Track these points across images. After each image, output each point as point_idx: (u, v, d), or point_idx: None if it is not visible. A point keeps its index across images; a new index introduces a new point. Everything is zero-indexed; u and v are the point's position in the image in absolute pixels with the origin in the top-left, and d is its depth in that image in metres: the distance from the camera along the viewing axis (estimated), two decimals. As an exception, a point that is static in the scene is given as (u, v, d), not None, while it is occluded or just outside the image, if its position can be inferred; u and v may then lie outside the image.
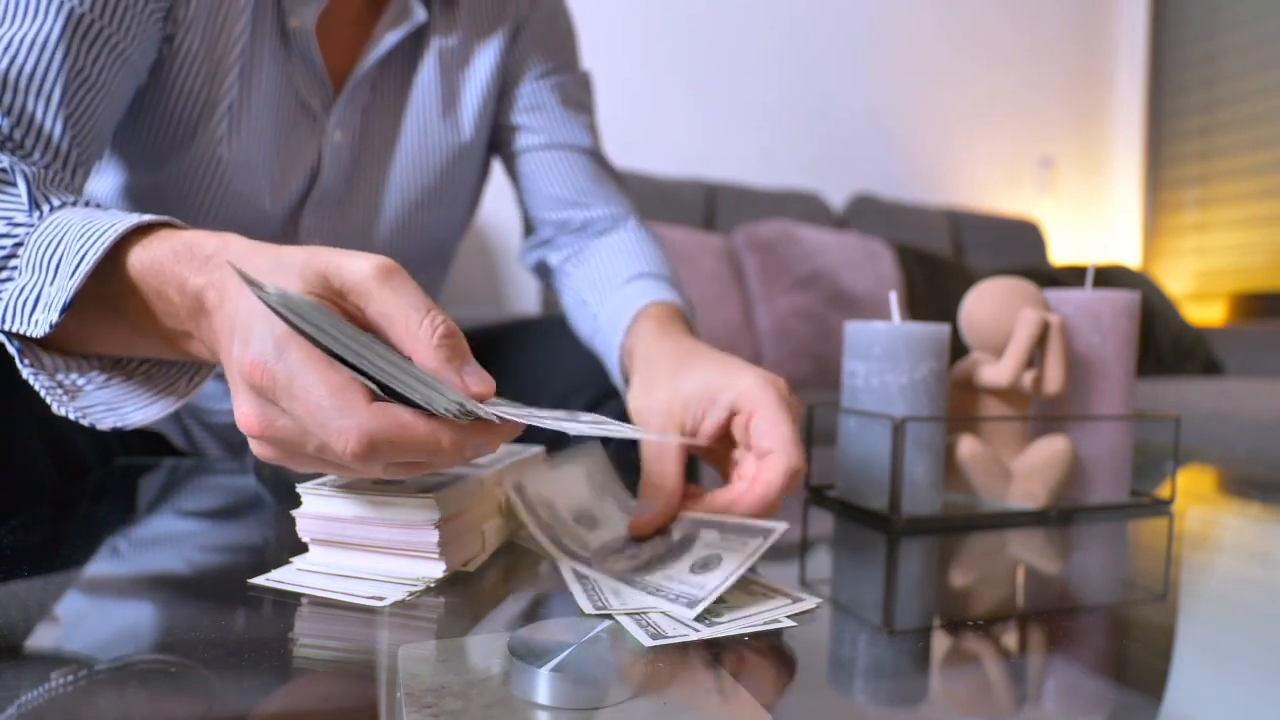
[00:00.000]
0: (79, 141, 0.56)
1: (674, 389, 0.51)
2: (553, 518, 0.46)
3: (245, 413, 0.34)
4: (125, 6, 0.58)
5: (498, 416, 0.33)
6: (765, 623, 0.35)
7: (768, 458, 0.46)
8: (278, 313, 0.31)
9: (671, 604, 0.35)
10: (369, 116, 0.75)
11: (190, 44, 0.63)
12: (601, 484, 0.51)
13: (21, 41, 0.53)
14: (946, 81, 2.77)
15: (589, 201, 0.82)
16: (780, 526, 0.39)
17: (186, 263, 0.40)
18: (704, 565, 0.38)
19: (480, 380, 0.35)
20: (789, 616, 0.36)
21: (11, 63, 0.53)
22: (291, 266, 0.35)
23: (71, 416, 0.45)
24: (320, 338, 0.31)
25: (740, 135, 2.47)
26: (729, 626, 0.34)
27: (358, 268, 0.35)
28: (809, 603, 0.37)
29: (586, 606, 0.37)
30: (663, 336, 0.60)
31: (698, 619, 0.34)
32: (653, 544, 0.42)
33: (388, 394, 0.33)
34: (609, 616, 0.35)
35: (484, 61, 0.79)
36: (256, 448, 0.36)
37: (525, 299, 2.17)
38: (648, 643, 0.31)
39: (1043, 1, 2.91)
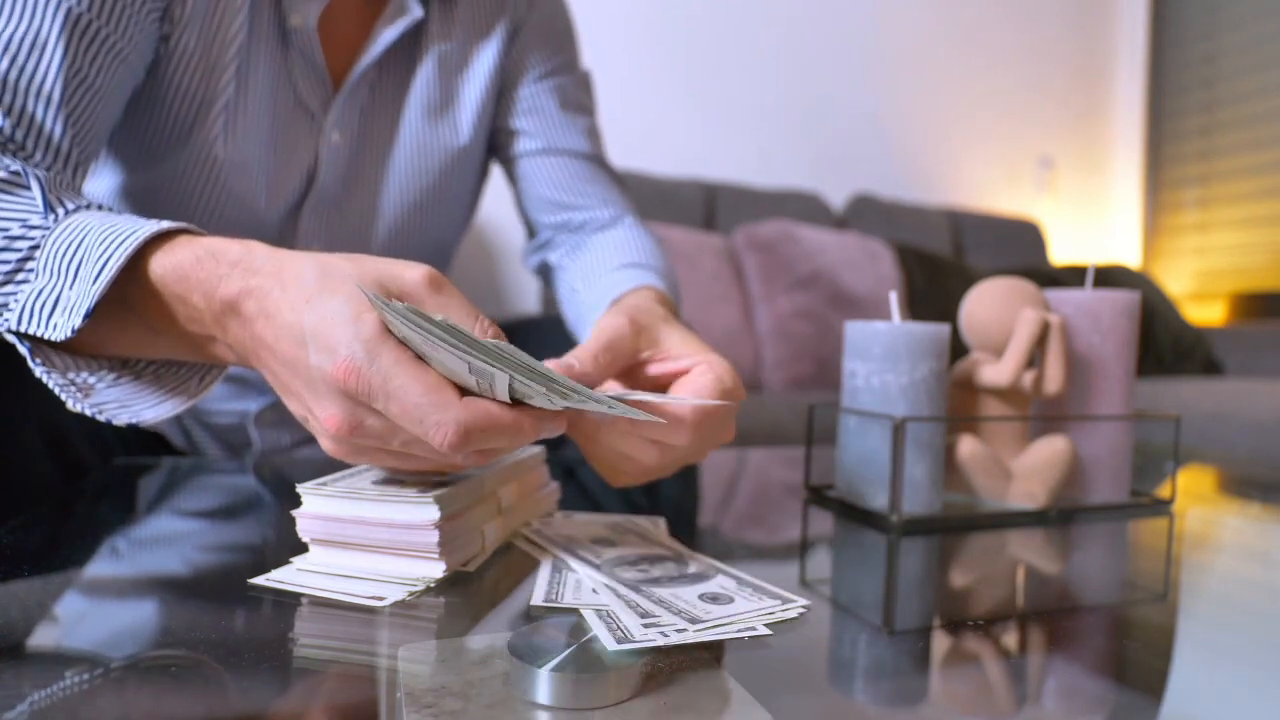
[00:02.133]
0: (79, 141, 0.56)
1: (651, 325, 0.50)
2: (570, 541, 0.46)
3: (333, 414, 0.36)
4: (123, 6, 0.58)
5: (608, 405, 0.36)
6: (739, 630, 0.34)
7: (694, 368, 0.46)
8: (412, 322, 0.33)
9: (674, 616, 0.35)
10: (367, 118, 0.75)
11: (187, 43, 0.63)
12: (622, 525, 0.51)
13: (20, 42, 0.53)
14: (946, 81, 2.77)
15: (587, 203, 0.82)
16: (801, 601, 0.38)
17: (212, 269, 0.41)
18: (713, 599, 0.37)
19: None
20: (767, 625, 0.34)
21: (11, 63, 0.53)
22: (344, 276, 0.37)
23: (88, 413, 0.45)
24: (446, 340, 0.33)
25: (740, 135, 2.47)
26: (701, 634, 0.33)
27: (411, 277, 0.38)
28: (791, 611, 0.36)
29: (537, 598, 0.37)
30: (655, 303, 0.60)
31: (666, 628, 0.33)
32: (665, 565, 0.42)
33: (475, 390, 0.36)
34: (558, 611, 0.35)
35: (482, 63, 0.78)
36: (331, 446, 0.38)
37: (525, 299, 2.17)
38: (613, 646, 0.31)
39: (1042, 1, 2.91)
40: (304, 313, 0.37)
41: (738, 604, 0.37)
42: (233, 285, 0.40)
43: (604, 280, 0.73)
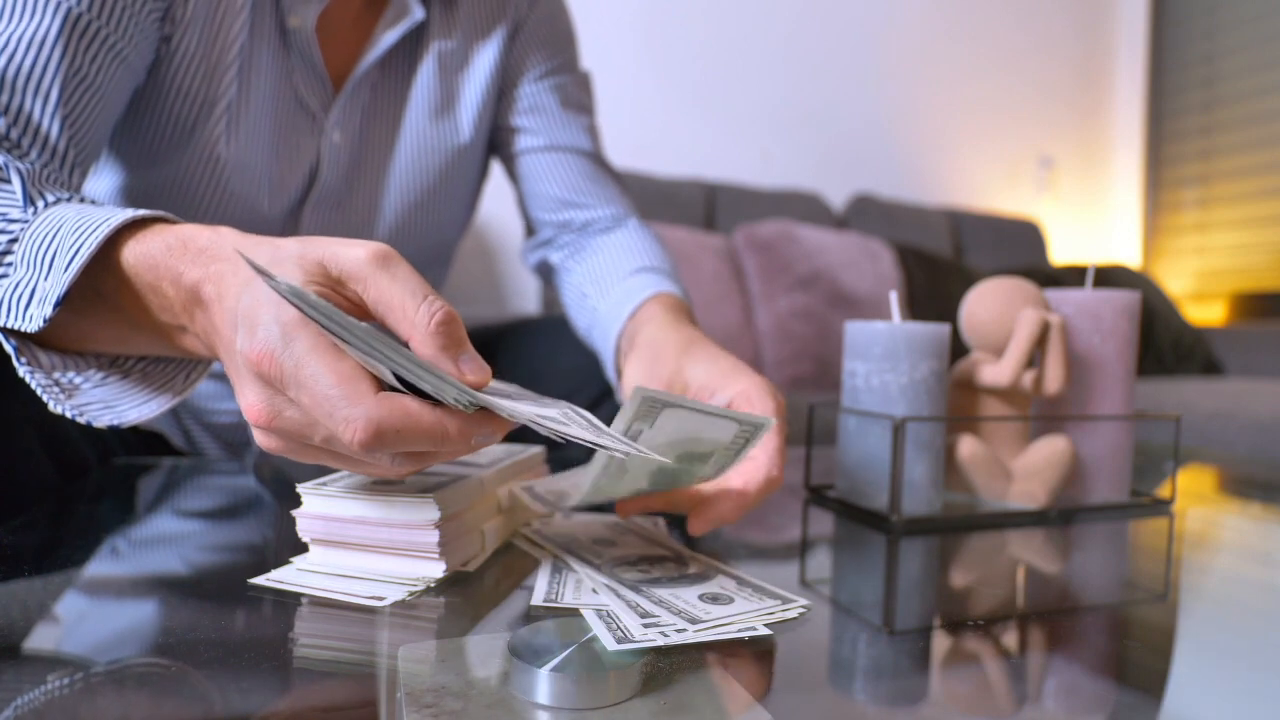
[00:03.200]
0: (76, 141, 0.56)
1: (678, 369, 0.51)
2: (571, 542, 0.46)
3: (251, 403, 0.34)
4: (123, 6, 0.58)
5: (509, 412, 0.33)
6: (739, 630, 0.33)
7: (750, 463, 0.46)
8: (290, 301, 0.31)
9: (674, 616, 0.35)
10: (368, 117, 0.75)
11: (188, 44, 0.63)
12: (622, 525, 0.51)
13: (19, 40, 0.53)
14: (946, 81, 2.77)
15: (589, 203, 0.82)
16: (801, 601, 0.38)
17: (180, 256, 0.40)
18: (713, 599, 0.37)
19: (477, 369, 0.34)
20: (767, 625, 0.34)
21: (9, 62, 0.53)
22: (289, 257, 0.35)
23: (69, 414, 0.44)
24: (329, 326, 0.31)
25: (741, 136, 2.47)
26: (701, 634, 0.33)
27: (354, 255, 0.35)
28: (791, 611, 0.36)
29: (537, 598, 0.37)
30: (672, 324, 0.60)
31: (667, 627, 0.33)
32: (665, 565, 0.42)
33: (399, 385, 0.33)
34: (558, 611, 0.35)
35: (483, 62, 0.79)
36: (262, 439, 0.36)
37: (525, 299, 2.17)
38: (612, 646, 0.30)
39: (1042, 2, 2.91)
40: (241, 295, 0.35)
41: (738, 604, 0.37)
42: (196, 271, 0.39)
43: (617, 289, 0.73)
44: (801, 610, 0.36)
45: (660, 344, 0.55)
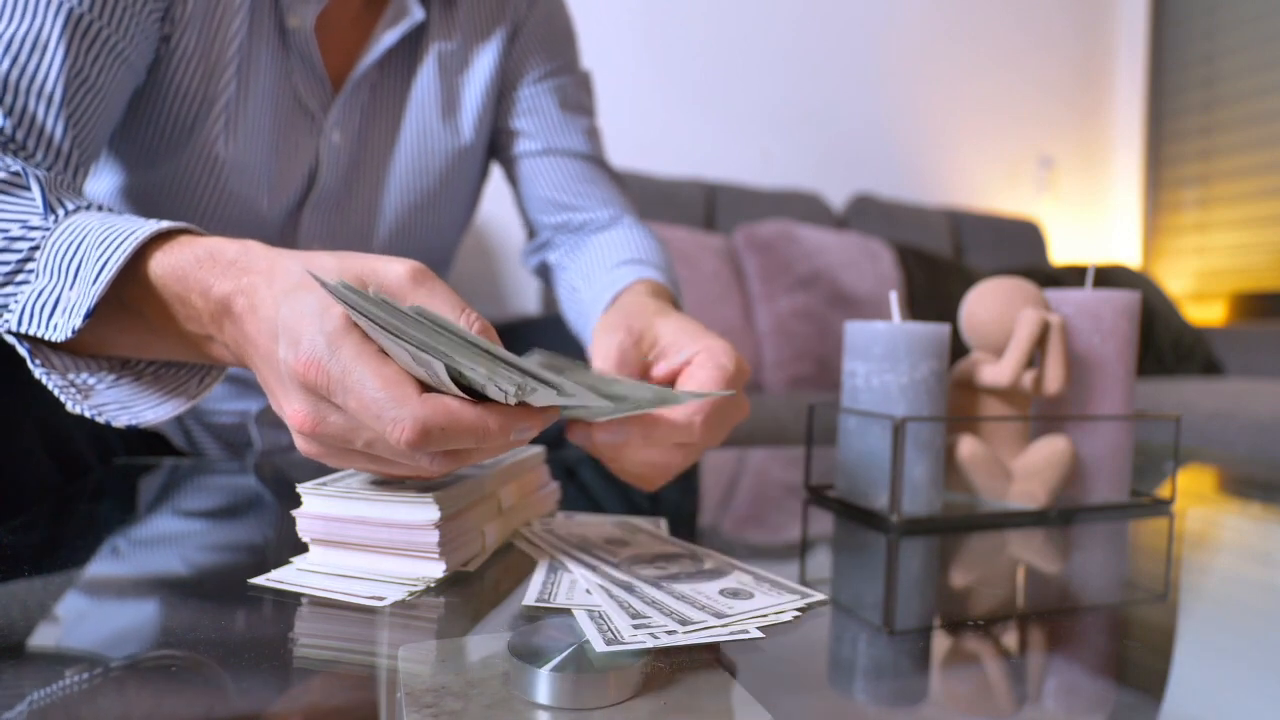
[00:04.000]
0: (80, 142, 0.56)
1: (647, 324, 0.51)
2: (584, 541, 0.46)
3: (297, 409, 0.35)
4: (124, 6, 0.58)
5: (559, 394, 0.34)
6: (731, 633, 0.33)
7: (694, 359, 0.46)
8: (343, 300, 0.32)
9: (698, 611, 0.35)
10: (368, 118, 0.75)
11: (187, 43, 0.63)
12: (630, 525, 0.51)
13: (22, 42, 0.53)
14: (946, 81, 2.77)
15: (586, 205, 0.82)
16: (818, 595, 0.38)
17: (210, 269, 0.41)
18: (734, 594, 0.37)
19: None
20: (760, 628, 0.34)
21: (12, 64, 0.53)
22: (325, 270, 0.37)
23: (87, 414, 0.45)
24: (383, 320, 0.32)
25: (741, 135, 2.47)
26: (691, 636, 0.33)
27: (393, 271, 0.37)
28: (812, 600, 0.37)
29: (530, 598, 0.37)
30: (649, 296, 0.61)
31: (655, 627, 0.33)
32: (681, 562, 0.42)
33: (442, 386, 0.34)
34: (551, 611, 0.35)
35: (483, 64, 0.79)
36: (304, 445, 0.37)
37: (525, 299, 2.17)
38: (600, 647, 0.30)
39: (1042, 2, 2.91)
40: (280, 307, 0.36)
41: (759, 599, 0.37)
42: (227, 284, 0.40)
43: (602, 278, 0.73)
44: (821, 601, 0.37)
45: (633, 305, 0.56)
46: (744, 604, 0.36)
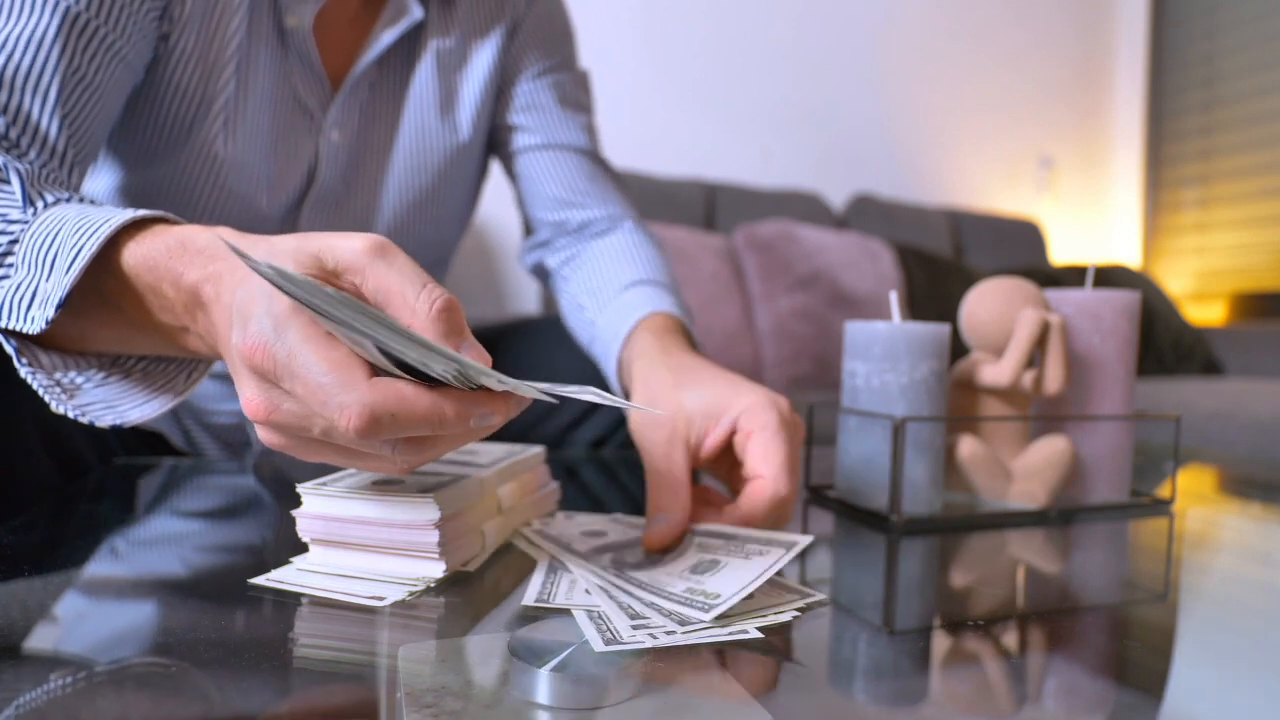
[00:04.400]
0: (75, 140, 0.56)
1: (676, 404, 0.51)
2: (562, 535, 0.46)
3: (249, 397, 0.34)
4: (122, 5, 0.58)
5: (498, 380, 0.32)
6: (730, 634, 0.33)
7: (755, 482, 0.46)
8: (277, 285, 0.30)
9: (682, 606, 0.35)
10: (366, 117, 0.75)
11: (185, 43, 0.63)
12: (625, 523, 0.51)
13: (18, 39, 0.53)
14: (946, 81, 2.77)
15: (586, 202, 0.82)
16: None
17: (180, 257, 0.40)
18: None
19: (477, 355, 0.34)
20: (759, 628, 0.34)
21: (8, 61, 0.53)
22: (285, 251, 0.35)
23: (70, 414, 0.44)
24: (312, 303, 0.30)
25: (741, 135, 2.47)
26: (689, 637, 0.33)
27: (350, 246, 0.34)
28: (786, 613, 0.36)
29: (529, 598, 0.37)
30: (662, 352, 0.60)
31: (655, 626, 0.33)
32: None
33: (399, 369, 0.32)
34: (550, 611, 0.35)
35: (481, 61, 0.79)
36: (263, 434, 0.36)
37: (525, 299, 2.17)
38: (599, 647, 0.30)
39: (1042, 1, 2.91)
40: (237, 291, 0.35)
41: (758, 598, 0.37)
42: (196, 272, 0.39)
43: (614, 304, 0.72)
44: (819, 601, 0.37)
45: (654, 383, 0.55)
46: (728, 583, 0.36)
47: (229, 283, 0.36)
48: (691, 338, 0.67)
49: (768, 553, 0.38)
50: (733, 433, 0.48)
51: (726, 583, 0.36)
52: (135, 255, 0.41)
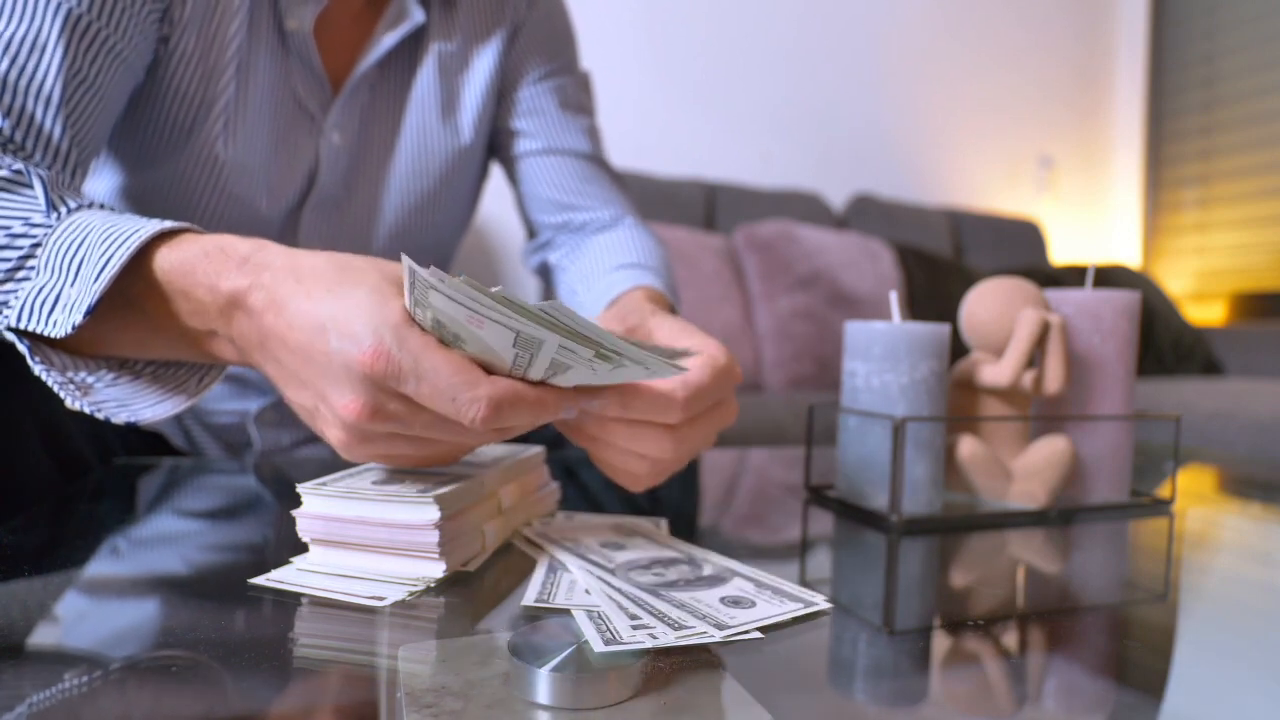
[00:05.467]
0: (78, 142, 0.56)
1: (642, 320, 0.52)
2: (579, 545, 0.46)
3: (351, 401, 0.37)
4: (123, 7, 0.58)
5: (634, 360, 0.36)
6: (731, 634, 0.33)
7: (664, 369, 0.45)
8: (465, 294, 0.34)
9: (699, 620, 0.34)
10: (367, 119, 0.75)
11: (186, 45, 0.63)
12: (627, 526, 0.50)
13: (20, 42, 0.53)
14: (946, 81, 2.77)
15: (587, 204, 0.82)
16: (821, 601, 0.38)
17: (220, 263, 0.41)
18: (735, 603, 0.37)
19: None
20: (759, 629, 0.34)
21: (11, 64, 0.53)
22: (364, 269, 0.39)
23: (86, 410, 0.45)
24: (486, 312, 0.34)
25: (741, 136, 2.47)
26: (688, 638, 0.32)
27: None
28: (815, 608, 0.37)
29: (529, 598, 0.37)
30: (645, 301, 0.61)
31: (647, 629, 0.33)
32: (679, 568, 0.42)
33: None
34: (550, 611, 0.35)
35: (483, 64, 0.79)
36: (342, 434, 0.38)
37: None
38: (599, 647, 0.30)
39: (1042, 2, 2.91)
40: (324, 301, 0.37)
41: (760, 607, 0.36)
42: (241, 279, 0.41)
43: (601, 282, 0.73)
44: (824, 608, 0.37)
45: (629, 306, 0.56)
46: (746, 613, 0.35)
47: (292, 291, 0.39)
48: (674, 310, 0.68)
49: (786, 604, 0.38)
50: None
51: (748, 615, 0.36)
52: (169, 260, 0.43)
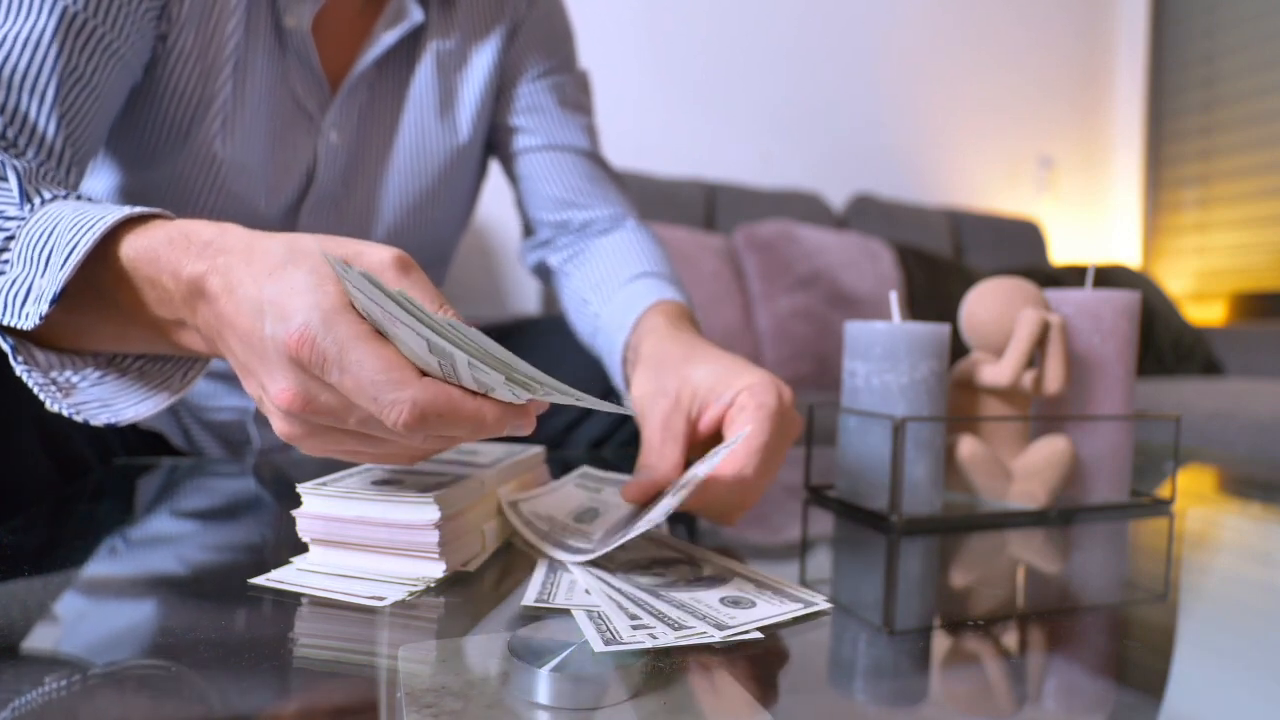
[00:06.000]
0: (73, 140, 0.56)
1: (683, 378, 0.51)
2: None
3: (283, 388, 0.35)
4: (119, 5, 0.57)
5: (561, 393, 0.34)
6: (731, 635, 0.33)
7: (727, 454, 0.45)
8: (358, 289, 0.32)
9: (699, 621, 0.34)
10: (365, 118, 0.75)
11: (183, 43, 0.63)
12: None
13: (15, 39, 0.53)
14: (946, 81, 2.77)
15: (587, 202, 0.82)
16: (821, 601, 0.38)
17: (183, 249, 0.40)
18: (735, 603, 0.37)
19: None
20: (759, 629, 0.34)
21: (5, 61, 0.53)
22: (311, 251, 0.36)
23: (65, 413, 0.45)
24: (404, 312, 0.32)
25: (741, 136, 2.47)
26: (692, 637, 0.32)
27: (377, 257, 0.36)
28: (815, 609, 0.37)
29: (529, 598, 0.37)
30: (674, 332, 0.60)
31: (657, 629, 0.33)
32: (679, 569, 0.42)
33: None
34: (550, 611, 0.35)
35: (481, 62, 0.78)
36: (283, 425, 0.36)
37: (525, 299, 2.17)
38: (599, 647, 0.30)
39: (1042, 1, 2.91)
40: (264, 284, 0.35)
41: (760, 607, 0.36)
42: (200, 264, 0.39)
43: (618, 296, 0.72)
44: (824, 608, 0.37)
45: (663, 356, 0.55)
46: (746, 613, 0.35)
47: (243, 275, 0.37)
48: (698, 327, 0.67)
49: (786, 604, 0.38)
50: (728, 409, 0.48)
51: (747, 616, 0.36)
52: (135, 247, 0.41)
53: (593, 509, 0.48)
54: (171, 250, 0.40)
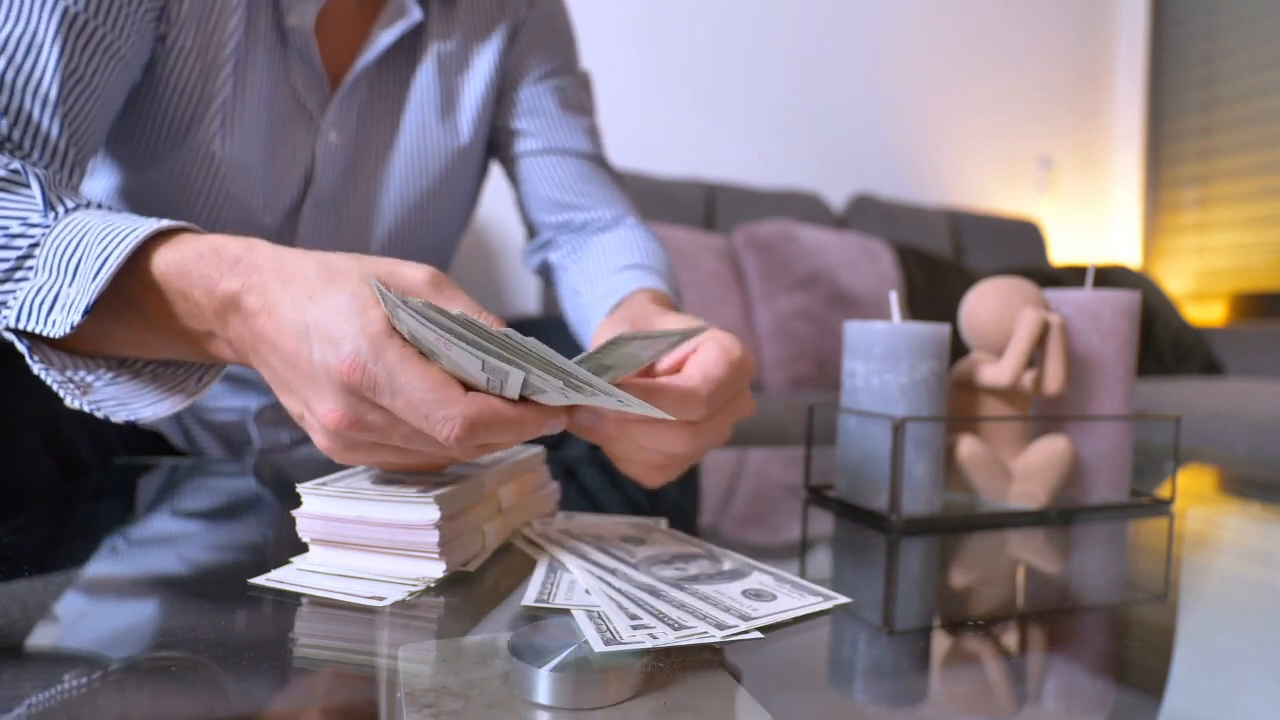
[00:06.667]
0: (76, 141, 0.56)
1: (649, 322, 0.52)
2: (600, 541, 0.46)
3: (332, 409, 0.36)
4: (120, 5, 0.58)
5: (605, 395, 0.35)
6: (731, 634, 0.33)
7: (700, 346, 0.45)
8: (427, 319, 0.34)
9: (723, 614, 0.35)
10: (365, 117, 0.74)
11: (183, 42, 0.63)
12: (644, 525, 0.51)
13: (17, 41, 0.53)
14: (946, 81, 2.77)
15: (588, 204, 0.82)
16: (841, 597, 0.38)
17: (215, 265, 0.41)
18: (757, 596, 0.37)
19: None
20: (759, 629, 0.34)
21: (8, 63, 0.53)
22: (348, 272, 0.38)
23: (86, 409, 0.45)
24: (459, 333, 0.34)
25: (741, 136, 2.47)
26: (692, 636, 0.32)
27: (414, 276, 0.39)
28: (832, 604, 0.37)
29: (529, 598, 0.37)
30: (650, 303, 0.61)
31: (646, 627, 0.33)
32: (700, 563, 0.42)
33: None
34: (550, 611, 0.35)
35: (482, 64, 0.78)
36: (325, 440, 0.39)
37: (525, 299, 2.17)
38: (599, 647, 0.30)
39: (1042, 2, 2.91)
40: (306, 307, 0.37)
41: (781, 600, 0.37)
42: (234, 281, 0.40)
43: (604, 283, 0.73)
44: (843, 604, 0.37)
45: (636, 308, 0.56)
46: (769, 605, 0.36)
47: (280, 295, 0.38)
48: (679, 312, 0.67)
49: (806, 597, 0.38)
50: (687, 357, 0.47)
51: (769, 608, 0.36)
52: (166, 260, 0.43)
53: (638, 537, 0.47)
54: (202, 265, 0.42)
